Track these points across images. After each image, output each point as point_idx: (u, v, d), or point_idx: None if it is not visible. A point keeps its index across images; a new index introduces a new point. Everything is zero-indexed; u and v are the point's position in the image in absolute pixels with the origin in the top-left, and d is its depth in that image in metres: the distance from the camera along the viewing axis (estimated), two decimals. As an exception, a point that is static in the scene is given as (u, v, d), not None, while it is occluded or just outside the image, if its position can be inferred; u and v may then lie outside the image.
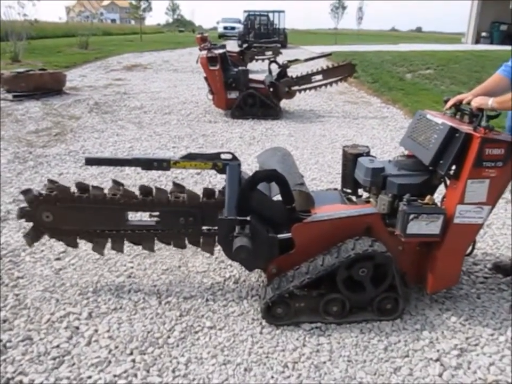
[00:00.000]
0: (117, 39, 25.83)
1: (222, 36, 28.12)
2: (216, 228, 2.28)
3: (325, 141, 5.50)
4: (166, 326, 2.14)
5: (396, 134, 5.77)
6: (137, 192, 2.31)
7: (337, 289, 2.12)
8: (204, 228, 2.34)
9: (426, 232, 2.05)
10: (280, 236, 2.17)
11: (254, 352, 1.99)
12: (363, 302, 2.19)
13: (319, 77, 6.98)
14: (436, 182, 2.22)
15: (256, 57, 11.24)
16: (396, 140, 5.38)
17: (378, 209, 2.23)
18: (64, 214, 2.26)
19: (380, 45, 20.55)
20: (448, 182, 2.19)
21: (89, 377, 1.83)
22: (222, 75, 6.37)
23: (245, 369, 1.90)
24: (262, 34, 20.45)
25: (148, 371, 1.87)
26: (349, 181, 2.52)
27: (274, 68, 7.03)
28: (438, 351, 2.01)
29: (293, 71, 7.18)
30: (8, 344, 1.99)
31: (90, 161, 2.38)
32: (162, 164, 2.24)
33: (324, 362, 1.94)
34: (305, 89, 7.09)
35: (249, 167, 4.34)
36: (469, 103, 2.14)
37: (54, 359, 1.92)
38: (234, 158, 2.24)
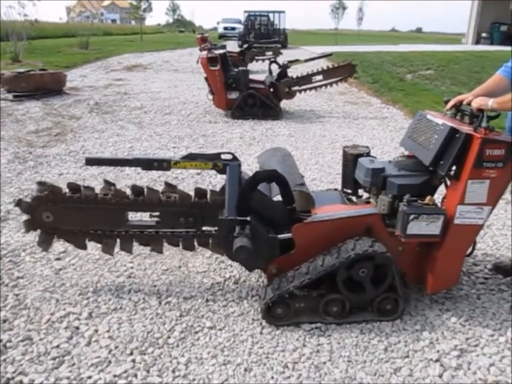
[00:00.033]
0: (117, 39, 25.83)
1: (222, 36, 28.12)
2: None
3: (325, 141, 5.51)
4: (166, 326, 2.14)
5: (396, 135, 5.77)
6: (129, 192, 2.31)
7: (337, 289, 2.12)
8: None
9: (426, 233, 2.05)
10: (280, 236, 2.17)
11: (254, 353, 1.99)
12: (363, 302, 2.19)
13: (320, 77, 6.99)
14: (436, 183, 2.22)
15: (256, 57, 11.25)
16: (396, 141, 5.38)
17: (379, 209, 2.23)
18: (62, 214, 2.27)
19: (380, 46, 20.56)
20: (448, 182, 2.19)
21: (89, 377, 1.83)
22: (222, 75, 6.37)
23: (245, 370, 1.90)
24: (262, 34, 20.43)
25: (148, 371, 1.87)
26: (349, 181, 2.52)
27: (275, 68, 7.03)
28: (438, 351, 2.01)
29: (293, 72, 7.18)
30: (8, 344, 1.99)
31: (91, 162, 2.38)
32: (162, 164, 2.24)
33: (324, 363, 1.94)
34: (305, 90, 7.09)
35: (249, 167, 4.34)
36: (469, 104, 2.14)
37: (54, 359, 1.92)
38: (235, 158, 2.24)
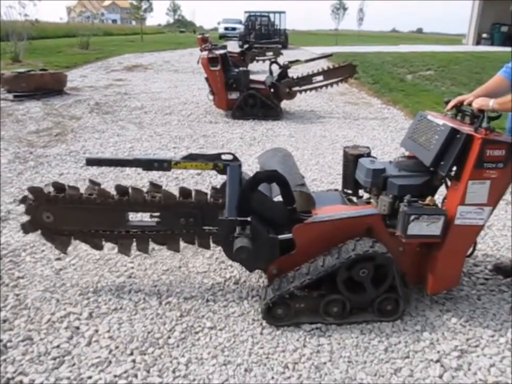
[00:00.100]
0: (117, 39, 25.85)
1: (222, 37, 28.13)
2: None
3: (326, 142, 5.51)
4: (166, 326, 2.14)
5: (396, 135, 5.78)
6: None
7: (338, 290, 2.12)
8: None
9: (427, 233, 2.05)
10: (280, 236, 2.17)
11: (255, 353, 1.99)
12: (363, 302, 2.19)
13: (320, 77, 6.99)
14: (437, 183, 2.22)
15: (257, 58, 11.26)
16: (397, 141, 5.38)
17: (379, 210, 2.23)
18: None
19: (380, 46, 20.56)
20: (449, 183, 2.19)
21: (90, 377, 1.83)
22: (222, 76, 6.37)
23: (245, 370, 1.90)
24: (262, 35, 20.44)
25: (148, 371, 1.87)
26: (350, 181, 2.52)
27: (275, 68, 7.03)
28: (438, 352, 2.01)
29: (293, 72, 7.19)
30: (8, 344, 1.99)
31: (91, 162, 2.38)
32: (163, 165, 2.24)
33: (324, 363, 1.94)
34: (306, 90, 7.09)
35: (249, 167, 4.34)
36: (469, 104, 2.14)
37: (54, 359, 1.92)
38: (235, 158, 2.24)
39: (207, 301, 2.34)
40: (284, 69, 6.91)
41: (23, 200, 2.25)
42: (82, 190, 2.30)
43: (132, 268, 2.64)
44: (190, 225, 2.31)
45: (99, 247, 2.41)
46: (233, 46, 16.53)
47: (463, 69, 10.68)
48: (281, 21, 23.52)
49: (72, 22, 36.67)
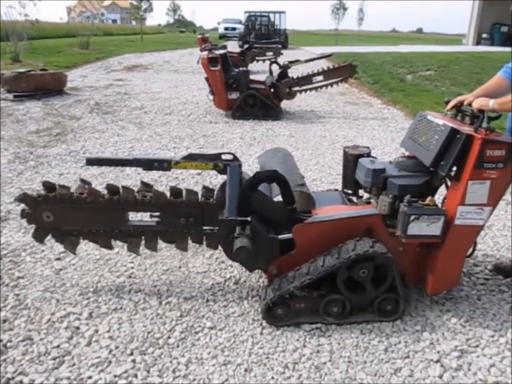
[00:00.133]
0: (117, 39, 25.85)
1: (222, 37, 28.13)
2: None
3: (326, 142, 5.51)
4: (166, 326, 2.14)
5: (396, 135, 5.78)
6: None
7: (338, 290, 2.12)
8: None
9: (427, 233, 2.05)
10: (280, 236, 2.17)
11: (255, 353, 1.99)
12: (363, 303, 2.19)
13: (320, 77, 6.99)
14: (437, 183, 2.22)
15: (257, 58, 11.26)
16: (397, 141, 5.38)
17: (379, 210, 2.23)
18: None
19: (380, 46, 20.57)
20: (449, 183, 2.19)
21: (90, 377, 1.83)
22: (222, 76, 6.37)
23: (245, 370, 1.90)
24: (262, 35, 20.45)
25: (148, 371, 1.87)
26: (350, 181, 2.52)
27: (275, 68, 7.04)
28: (438, 352, 2.01)
29: (293, 72, 7.19)
30: (8, 344, 1.99)
31: (91, 162, 2.38)
32: (163, 164, 2.24)
33: (324, 363, 1.94)
34: (306, 90, 7.09)
35: (249, 167, 4.34)
36: (469, 105, 2.14)
37: (54, 359, 1.92)
38: (235, 158, 2.24)
39: (207, 301, 2.34)
40: (284, 69, 6.91)
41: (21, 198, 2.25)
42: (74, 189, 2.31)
43: (132, 268, 2.64)
44: (189, 225, 2.31)
45: (109, 247, 2.42)
46: (233, 46, 16.53)
47: (463, 69, 10.69)
48: (281, 21, 23.52)
49: (72, 22, 36.66)
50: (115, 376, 1.84)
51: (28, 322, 2.14)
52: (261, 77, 7.12)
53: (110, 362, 1.91)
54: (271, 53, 11.02)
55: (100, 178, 4.03)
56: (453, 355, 1.99)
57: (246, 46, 11.40)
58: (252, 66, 10.69)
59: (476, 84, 8.07)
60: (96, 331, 2.09)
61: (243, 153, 4.90)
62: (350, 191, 2.57)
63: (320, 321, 2.16)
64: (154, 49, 19.71)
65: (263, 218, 2.16)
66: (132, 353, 1.96)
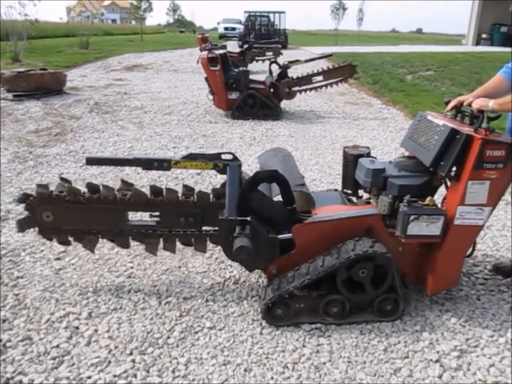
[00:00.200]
0: (117, 39, 25.84)
1: (222, 37, 28.14)
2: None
3: (325, 142, 5.51)
4: (166, 326, 2.14)
5: (396, 135, 5.78)
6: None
7: (337, 290, 2.12)
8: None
9: (426, 233, 2.05)
10: (280, 236, 2.17)
11: (254, 353, 1.99)
12: (363, 303, 2.19)
13: (320, 77, 6.99)
14: (437, 183, 2.22)
15: (256, 57, 11.26)
16: (396, 141, 5.38)
17: (379, 210, 2.23)
18: None
19: (380, 46, 20.57)
20: (448, 183, 2.19)
21: (89, 377, 1.83)
22: (222, 75, 6.38)
23: (245, 370, 1.89)
24: (262, 35, 20.46)
25: (147, 371, 1.87)
26: (350, 181, 2.52)
27: (275, 68, 7.04)
28: (437, 352, 2.01)
29: (293, 72, 7.19)
30: (7, 344, 1.99)
31: (91, 161, 2.38)
32: (163, 164, 2.24)
33: (324, 363, 1.94)
34: (305, 90, 7.10)
35: (249, 167, 4.34)
36: (469, 105, 2.14)
37: (53, 359, 1.92)
38: (235, 158, 2.24)
39: (207, 301, 2.34)
40: (284, 69, 6.91)
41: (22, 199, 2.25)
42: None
43: (132, 267, 2.64)
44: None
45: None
46: (233, 46, 16.55)
47: (463, 69, 10.69)
48: (281, 21, 23.54)
49: (72, 22, 36.60)
50: (114, 376, 1.84)
51: (27, 322, 2.14)
52: (261, 77, 7.12)
53: (110, 362, 1.91)
54: (270, 53, 11.02)
55: (100, 178, 4.03)
56: (453, 355, 1.99)
57: (245, 46, 11.39)
58: (252, 66, 10.69)
59: (475, 84, 8.08)
60: (96, 331, 2.09)
61: (243, 153, 4.90)
62: (349, 191, 2.56)
63: (319, 321, 2.16)
64: (154, 49, 19.70)
65: (263, 218, 2.16)
66: (131, 353, 1.96)
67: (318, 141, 5.55)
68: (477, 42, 20.43)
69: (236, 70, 6.55)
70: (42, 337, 2.04)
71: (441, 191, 2.28)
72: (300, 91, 7.03)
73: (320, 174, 4.33)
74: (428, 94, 8.32)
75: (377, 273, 2.11)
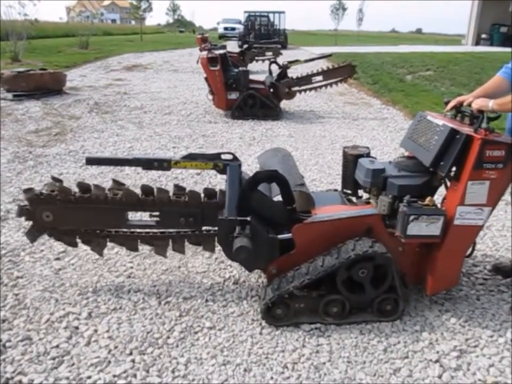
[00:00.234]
0: (117, 39, 25.84)
1: (222, 37, 28.14)
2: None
3: (325, 142, 5.51)
4: (165, 326, 2.14)
5: (396, 135, 5.78)
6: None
7: (337, 290, 2.12)
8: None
9: (426, 233, 2.05)
10: (280, 236, 2.17)
11: (254, 353, 1.99)
12: (363, 303, 2.19)
13: (319, 77, 6.99)
14: (436, 183, 2.22)
15: (256, 58, 11.26)
16: (396, 141, 5.38)
17: (379, 210, 2.23)
18: None
19: (380, 46, 20.58)
20: (448, 183, 2.19)
21: (89, 377, 1.83)
22: (222, 76, 6.38)
23: (245, 370, 1.89)
24: (262, 35, 20.46)
25: (147, 371, 1.87)
26: (349, 181, 2.52)
27: (275, 68, 7.04)
28: (437, 352, 2.01)
29: (293, 72, 7.19)
30: (7, 344, 1.99)
31: (91, 161, 2.38)
32: (162, 164, 2.24)
33: (324, 363, 1.94)
34: (305, 90, 7.10)
35: (249, 167, 4.34)
36: (469, 105, 2.14)
37: (53, 359, 1.92)
38: (235, 158, 2.24)
39: (207, 301, 2.34)
40: (284, 69, 6.91)
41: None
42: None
43: (131, 267, 2.64)
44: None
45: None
46: (232, 46, 16.55)
47: (462, 69, 10.69)
48: (281, 21, 23.54)
49: (72, 22, 36.62)
50: (114, 376, 1.84)
51: (27, 322, 2.13)
52: (261, 77, 7.12)
53: (109, 362, 1.91)
54: (270, 53, 11.03)
55: (100, 178, 4.02)
56: (452, 355, 1.99)
57: (245, 46, 11.40)
58: (251, 66, 10.69)
59: (475, 84, 8.08)
60: (96, 331, 2.09)
61: (243, 153, 4.90)
62: (349, 191, 2.56)
63: (319, 321, 2.16)
64: (153, 49, 19.71)
65: (263, 218, 2.16)
66: (131, 353, 1.96)
67: (317, 141, 5.55)
68: (477, 42, 20.44)
69: (236, 70, 6.55)
70: (42, 337, 2.04)
71: (441, 191, 2.28)
72: (300, 91, 7.03)
73: (319, 174, 4.33)
74: (427, 94, 8.33)
75: (377, 273, 2.11)
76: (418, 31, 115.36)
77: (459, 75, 10.00)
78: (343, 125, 6.43)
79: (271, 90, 6.71)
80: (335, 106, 7.80)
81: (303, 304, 2.16)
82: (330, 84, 7.13)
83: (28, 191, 2.24)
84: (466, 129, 2.00)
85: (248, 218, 2.09)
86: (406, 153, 2.43)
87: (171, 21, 54.88)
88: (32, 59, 12.22)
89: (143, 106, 7.31)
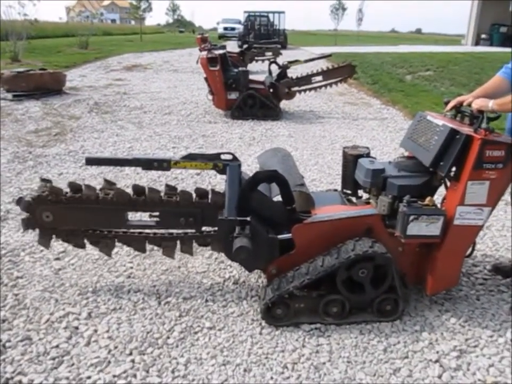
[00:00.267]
0: (117, 39, 25.83)
1: (222, 37, 28.14)
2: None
3: (325, 142, 5.51)
4: (165, 326, 2.14)
5: (395, 135, 5.78)
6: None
7: (337, 290, 2.12)
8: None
9: (426, 234, 2.05)
10: (280, 236, 2.17)
11: (254, 353, 1.99)
12: (363, 303, 2.19)
13: (319, 78, 7.00)
14: (436, 184, 2.23)
15: (256, 58, 11.27)
16: (396, 141, 5.38)
17: (379, 210, 2.23)
18: None
19: (379, 46, 20.58)
20: (448, 183, 2.19)
21: (89, 377, 1.83)
22: (222, 76, 6.38)
23: (245, 370, 1.89)
24: (262, 35, 20.46)
25: (147, 371, 1.87)
26: (349, 182, 2.52)
27: (274, 68, 7.04)
28: (437, 352, 2.01)
29: (293, 72, 7.19)
30: (7, 344, 1.99)
31: (91, 161, 2.38)
32: (162, 164, 2.24)
33: (324, 363, 1.94)
34: (305, 90, 7.10)
35: (249, 167, 4.34)
36: (469, 105, 2.14)
37: (53, 359, 1.91)
38: (235, 158, 2.24)
39: (206, 301, 2.34)
40: (283, 69, 6.92)
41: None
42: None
43: (131, 267, 2.64)
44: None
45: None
46: (232, 46, 16.54)
47: (462, 69, 10.70)
48: (281, 21, 23.54)
49: (71, 22, 36.60)
50: (114, 376, 1.84)
51: (26, 322, 2.13)
52: (260, 77, 7.12)
53: (109, 362, 1.91)
54: (270, 53, 11.04)
55: (99, 178, 4.02)
56: (452, 355, 1.99)
57: (245, 46, 11.41)
58: (251, 67, 10.69)
59: (475, 84, 8.08)
60: (95, 331, 2.09)
61: (242, 153, 4.90)
62: (349, 191, 2.56)
63: (319, 321, 2.16)
64: (153, 49, 19.70)
65: (263, 218, 2.16)
66: (131, 353, 1.96)
67: (317, 141, 5.55)
68: (476, 42, 20.45)
69: (236, 70, 6.55)
70: (41, 337, 2.04)
71: (441, 191, 2.28)
72: (299, 91, 7.03)
73: (319, 174, 4.33)
74: (427, 94, 8.33)
75: (377, 273, 2.11)
76: (418, 31, 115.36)
77: (459, 75, 10.00)
78: (343, 125, 6.43)
79: (271, 90, 6.71)
80: (334, 106, 7.80)
81: (303, 304, 2.16)
82: (330, 84, 7.13)
83: (19, 201, 2.24)
84: (466, 129, 2.01)
85: (248, 219, 2.09)
86: (406, 153, 2.43)
87: (171, 21, 54.85)
88: (32, 59, 12.21)
89: (142, 106, 7.31)
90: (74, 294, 2.36)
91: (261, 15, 22.96)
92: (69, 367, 1.88)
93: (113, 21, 75.32)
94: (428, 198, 2.08)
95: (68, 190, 2.29)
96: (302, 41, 28.63)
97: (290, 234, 2.15)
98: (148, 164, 2.28)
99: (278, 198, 2.20)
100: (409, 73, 10.72)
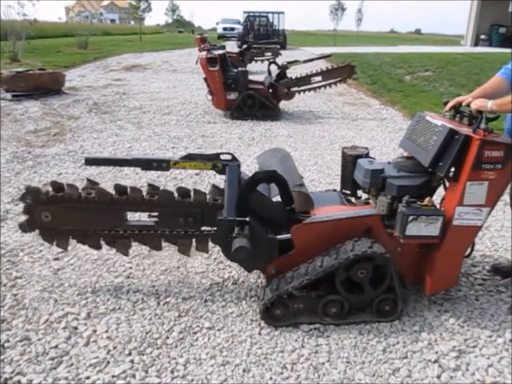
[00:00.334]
0: (116, 39, 25.82)
1: (221, 37, 28.15)
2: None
3: (324, 142, 5.51)
4: (164, 326, 2.14)
5: (395, 136, 5.78)
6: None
7: (336, 290, 2.12)
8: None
9: (425, 234, 2.05)
10: (279, 236, 2.17)
11: (253, 353, 1.99)
12: (362, 303, 2.19)
13: (319, 78, 7.00)
14: (435, 184, 2.23)
15: (255, 58, 11.28)
16: (395, 142, 5.39)
17: (378, 210, 2.24)
18: None
19: (379, 47, 20.59)
20: (447, 184, 2.19)
21: (88, 377, 1.83)
22: (221, 76, 6.37)
23: (244, 370, 1.89)
24: (261, 35, 20.47)
25: (146, 372, 1.87)
26: (348, 182, 2.52)
27: (274, 68, 7.04)
28: (436, 352, 2.01)
29: (292, 72, 7.19)
30: (6, 344, 1.99)
31: (90, 161, 2.38)
32: (161, 164, 2.24)
33: (323, 364, 1.94)
34: (304, 91, 7.10)
35: (248, 167, 4.34)
36: (468, 105, 2.15)
37: (52, 359, 1.91)
38: (234, 158, 2.24)
39: (206, 301, 2.34)
40: (283, 69, 6.92)
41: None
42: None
43: (130, 268, 2.63)
44: None
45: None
46: (232, 46, 16.54)
47: (461, 69, 10.70)
48: (280, 21, 23.56)
49: (71, 22, 36.58)
50: (113, 376, 1.84)
51: (25, 323, 2.13)
52: (260, 77, 7.12)
53: (108, 362, 1.91)
54: (269, 53, 11.04)
55: (98, 178, 4.02)
56: (451, 355, 2.00)
57: (244, 46, 11.42)
58: (251, 67, 10.69)
59: (474, 84, 8.09)
60: (94, 331, 2.09)
61: (242, 154, 4.90)
62: (348, 192, 2.57)
63: (318, 322, 2.16)
64: (153, 49, 19.70)
65: (262, 219, 2.16)
66: (130, 354, 1.96)
67: (316, 141, 5.56)
68: (476, 43, 20.46)
69: (235, 70, 6.55)
70: (40, 338, 2.03)
71: (440, 191, 2.28)
72: (299, 91, 7.03)
73: (318, 174, 4.34)
74: (426, 95, 8.33)
75: (376, 273, 2.11)
76: (417, 31, 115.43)
77: (458, 76, 10.01)
78: (342, 125, 6.43)
79: (270, 90, 6.72)
80: (334, 106, 7.80)
81: (302, 304, 2.16)
82: (330, 84, 7.13)
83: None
84: (465, 130, 2.01)
85: (247, 219, 2.09)
86: (405, 154, 2.43)
87: (170, 21, 54.79)
88: (31, 59, 12.20)
89: (142, 107, 7.31)
90: (73, 294, 2.36)
91: (260, 15, 22.98)
92: (68, 367, 1.88)
93: (112, 21, 75.27)
94: (427, 199, 2.08)
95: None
96: (301, 41, 28.63)
97: (289, 235, 2.15)
98: (147, 164, 2.27)
99: (277, 198, 2.20)
100: (408, 73, 10.72)
